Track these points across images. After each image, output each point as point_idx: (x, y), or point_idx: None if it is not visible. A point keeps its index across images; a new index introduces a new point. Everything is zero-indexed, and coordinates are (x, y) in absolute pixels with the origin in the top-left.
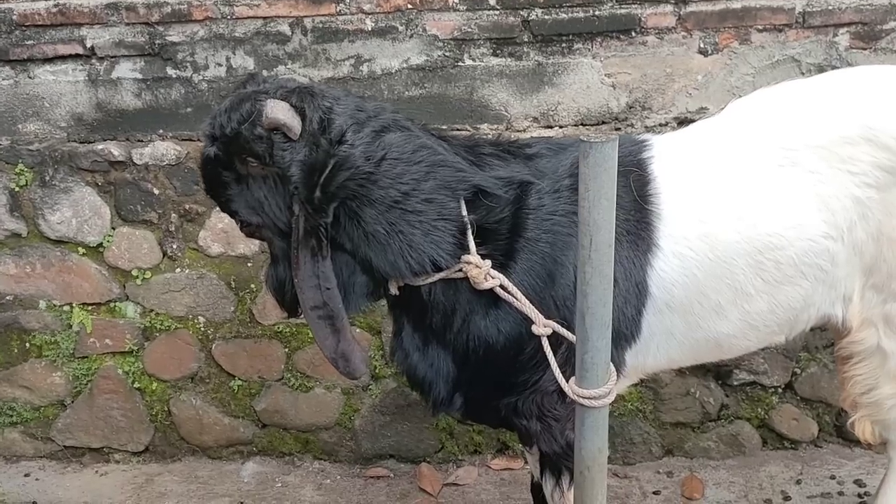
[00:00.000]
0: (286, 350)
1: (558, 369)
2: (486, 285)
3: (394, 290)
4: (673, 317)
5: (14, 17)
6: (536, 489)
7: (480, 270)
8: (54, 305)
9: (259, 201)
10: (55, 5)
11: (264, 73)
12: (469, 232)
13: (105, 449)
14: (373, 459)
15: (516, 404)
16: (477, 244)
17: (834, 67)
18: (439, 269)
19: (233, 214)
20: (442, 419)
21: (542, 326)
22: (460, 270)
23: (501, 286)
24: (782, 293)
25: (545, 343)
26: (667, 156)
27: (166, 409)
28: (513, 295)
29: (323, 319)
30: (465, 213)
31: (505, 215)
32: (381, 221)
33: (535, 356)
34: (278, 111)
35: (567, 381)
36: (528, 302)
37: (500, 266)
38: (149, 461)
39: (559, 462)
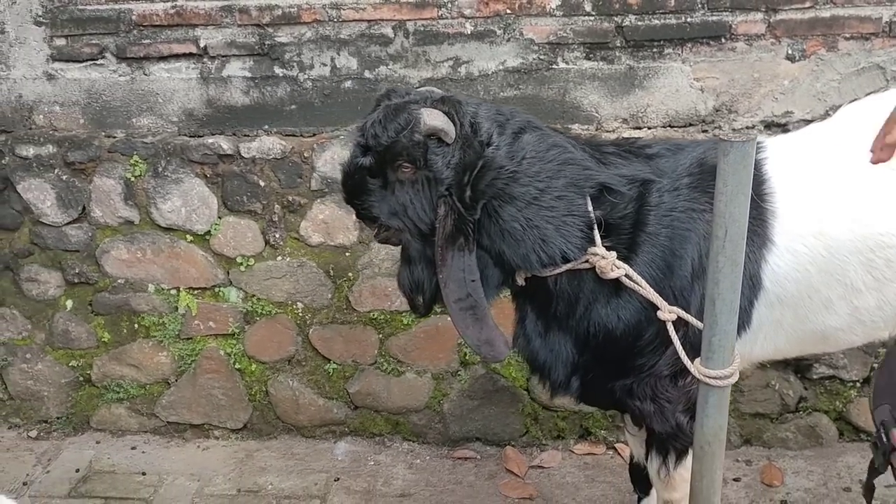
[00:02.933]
0: (380, 336)
1: (683, 352)
2: (613, 275)
3: (521, 281)
4: (783, 309)
5: (133, 17)
6: (636, 469)
7: (607, 261)
8: (162, 289)
9: (403, 205)
10: (173, 6)
11: (399, 85)
12: (595, 227)
13: (206, 425)
14: (460, 442)
15: (631, 387)
16: (602, 238)
17: None
18: (567, 261)
19: (373, 220)
20: (528, 405)
21: (668, 312)
22: (587, 262)
23: (626, 276)
24: (891, 290)
25: (671, 327)
26: (780, 157)
27: (264, 389)
28: (637, 283)
29: (466, 311)
30: (591, 209)
31: (628, 211)
32: (519, 218)
33: (653, 342)
34: (436, 118)
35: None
36: (652, 290)
37: (624, 258)
38: (247, 438)
39: (668, 442)
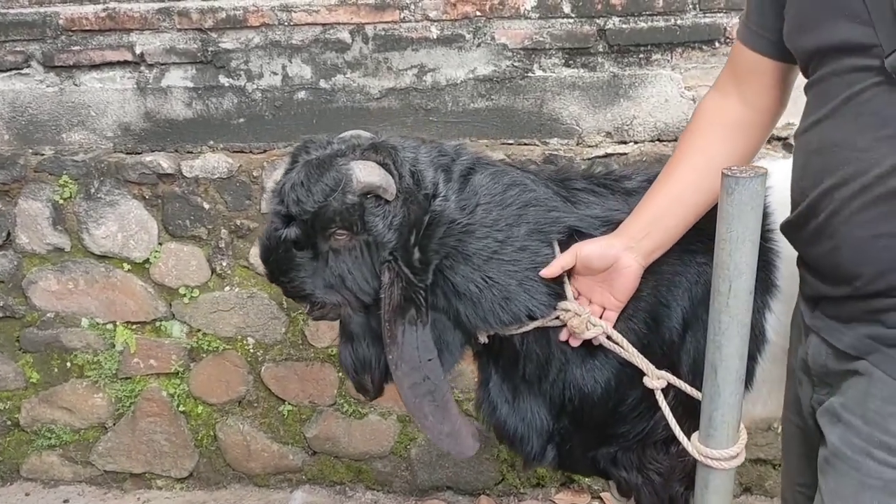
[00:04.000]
0: (339, 374)
1: (676, 423)
2: (589, 335)
3: (483, 339)
4: None
5: (60, 22)
6: None
7: (581, 319)
8: (97, 324)
9: (340, 276)
10: (104, 9)
11: (317, 136)
12: (566, 277)
13: (147, 475)
14: (429, 491)
15: (615, 455)
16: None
17: None
18: (534, 319)
19: (305, 298)
20: (504, 449)
21: (656, 378)
22: (557, 318)
23: (606, 335)
24: None
25: (660, 396)
26: (785, 185)
27: (212, 433)
28: (618, 344)
29: (423, 397)
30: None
31: None
32: (475, 278)
33: (637, 406)
34: (370, 173)
35: (689, 438)
36: (636, 351)
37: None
38: (193, 488)
39: None
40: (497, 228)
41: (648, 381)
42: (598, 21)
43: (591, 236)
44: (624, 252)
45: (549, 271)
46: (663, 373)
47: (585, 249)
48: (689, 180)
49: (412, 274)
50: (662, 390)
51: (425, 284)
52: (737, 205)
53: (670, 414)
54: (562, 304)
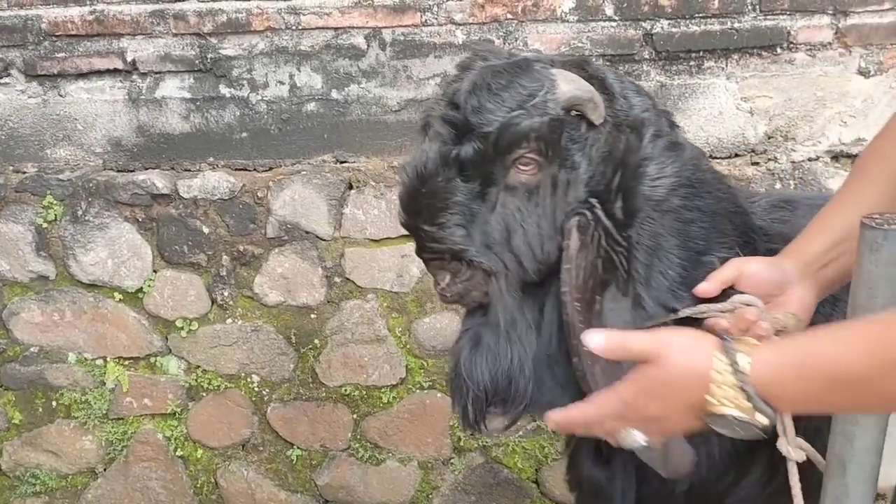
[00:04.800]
0: (354, 416)
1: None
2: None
3: None
4: None
5: (43, 26)
6: None
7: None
8: (86, 359)
9: (507, 230)
10: (91, 12)
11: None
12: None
13: None
14: None
15: None
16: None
17: None
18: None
19: (454, 256)
20: (538, 500)
21: (794, 447)
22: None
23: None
24: None
25: (793, 473)
26: None
27: (213, 480)
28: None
29: None
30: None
31: None
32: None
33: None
34: (580, 85)
35: None
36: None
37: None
38: None
39: None
40: (688, 208)
41: (784, 448)
42: (643, 24)
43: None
44: (799, 280)
45: (708, 287)
46: (802, 441)
47: (753, 267)
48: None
49: (613, 226)
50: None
51: (628, 244)
52: (884, 264)
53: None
54: (738, 298)
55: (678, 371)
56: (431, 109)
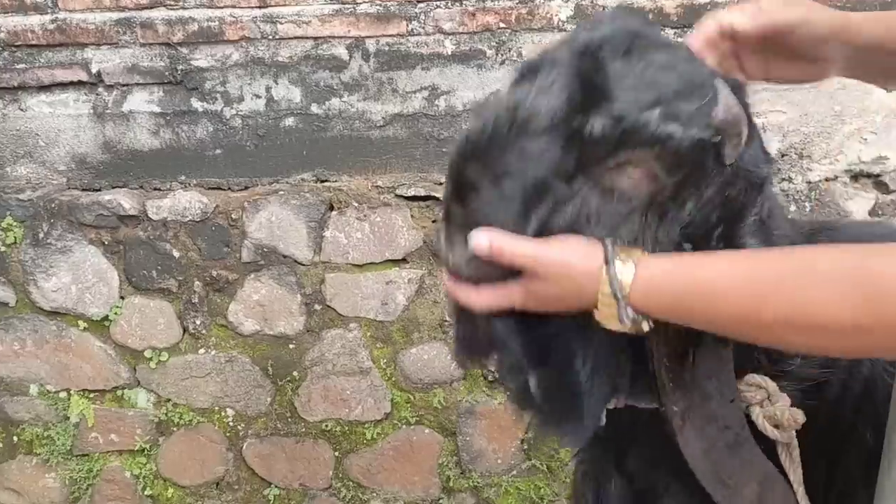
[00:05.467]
0: (336, 453)
1: None
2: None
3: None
4: None
5: (1, 36)
6: None
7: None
8: (48, 392)
9: (574, 229)
10: (53, 21)
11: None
12: None
13: None
14: None
15: None
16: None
17: None
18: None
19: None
20: None
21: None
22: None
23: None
24: None
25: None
26: None
27: None
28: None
29: (724, 459)
30: None
31: None
32: None
33: None
34: (737, 105)
35: None
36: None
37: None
38: None
39: None
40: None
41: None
42: None
43: None
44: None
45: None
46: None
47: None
48: None
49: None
50: None
51: None
52: None
53: None
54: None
55: (560, 287)
56: (554, 52)
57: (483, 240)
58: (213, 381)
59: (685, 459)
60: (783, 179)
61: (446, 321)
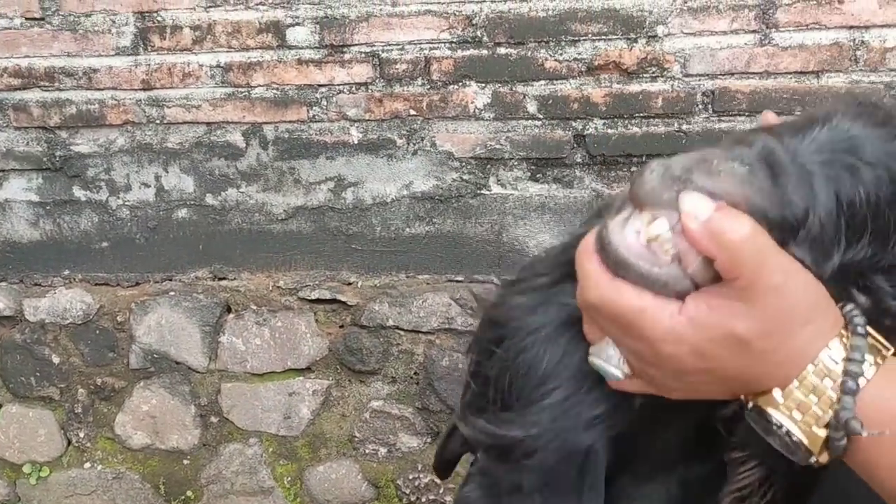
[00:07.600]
0: None
1: None
2: None
3: None
4: None
5: None
6: None
7: None
8: None
9: None
10: None
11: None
12: None
13: None
14: None
15: None
16: None
17: None
18: None
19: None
20: None
21: None
22: None
23: None
24: None
25: None
26: None
27: None
28: None
29: None
30: None
31: None
32: None
33: None
34: None
35: None
36: None
37: None
38: None
39: None
40: None
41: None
42: (573, 124)
43: None
44: None
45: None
46: None
47: None
48: None
49: None
50: None
51: None
52: None
53: None
54: None
55: (769, 318)
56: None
57: (706, 209)
58: (100, 499)
59: None
60: None
61: (356, 437)
